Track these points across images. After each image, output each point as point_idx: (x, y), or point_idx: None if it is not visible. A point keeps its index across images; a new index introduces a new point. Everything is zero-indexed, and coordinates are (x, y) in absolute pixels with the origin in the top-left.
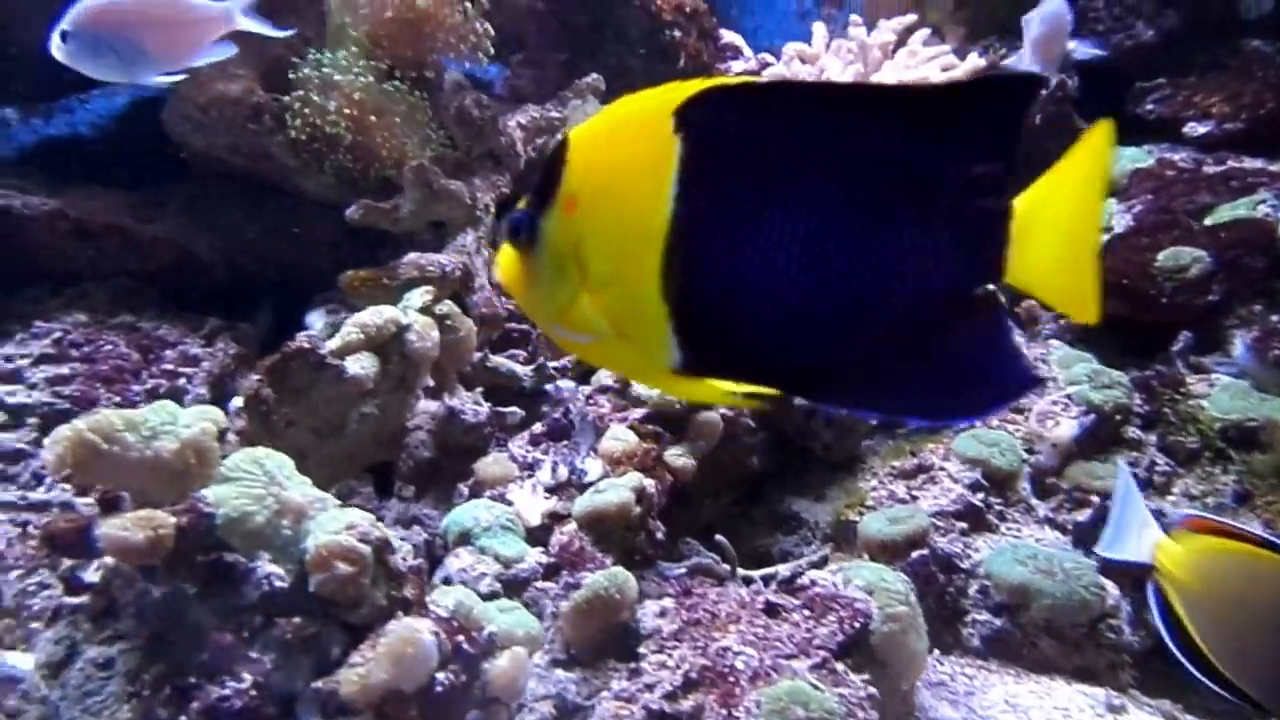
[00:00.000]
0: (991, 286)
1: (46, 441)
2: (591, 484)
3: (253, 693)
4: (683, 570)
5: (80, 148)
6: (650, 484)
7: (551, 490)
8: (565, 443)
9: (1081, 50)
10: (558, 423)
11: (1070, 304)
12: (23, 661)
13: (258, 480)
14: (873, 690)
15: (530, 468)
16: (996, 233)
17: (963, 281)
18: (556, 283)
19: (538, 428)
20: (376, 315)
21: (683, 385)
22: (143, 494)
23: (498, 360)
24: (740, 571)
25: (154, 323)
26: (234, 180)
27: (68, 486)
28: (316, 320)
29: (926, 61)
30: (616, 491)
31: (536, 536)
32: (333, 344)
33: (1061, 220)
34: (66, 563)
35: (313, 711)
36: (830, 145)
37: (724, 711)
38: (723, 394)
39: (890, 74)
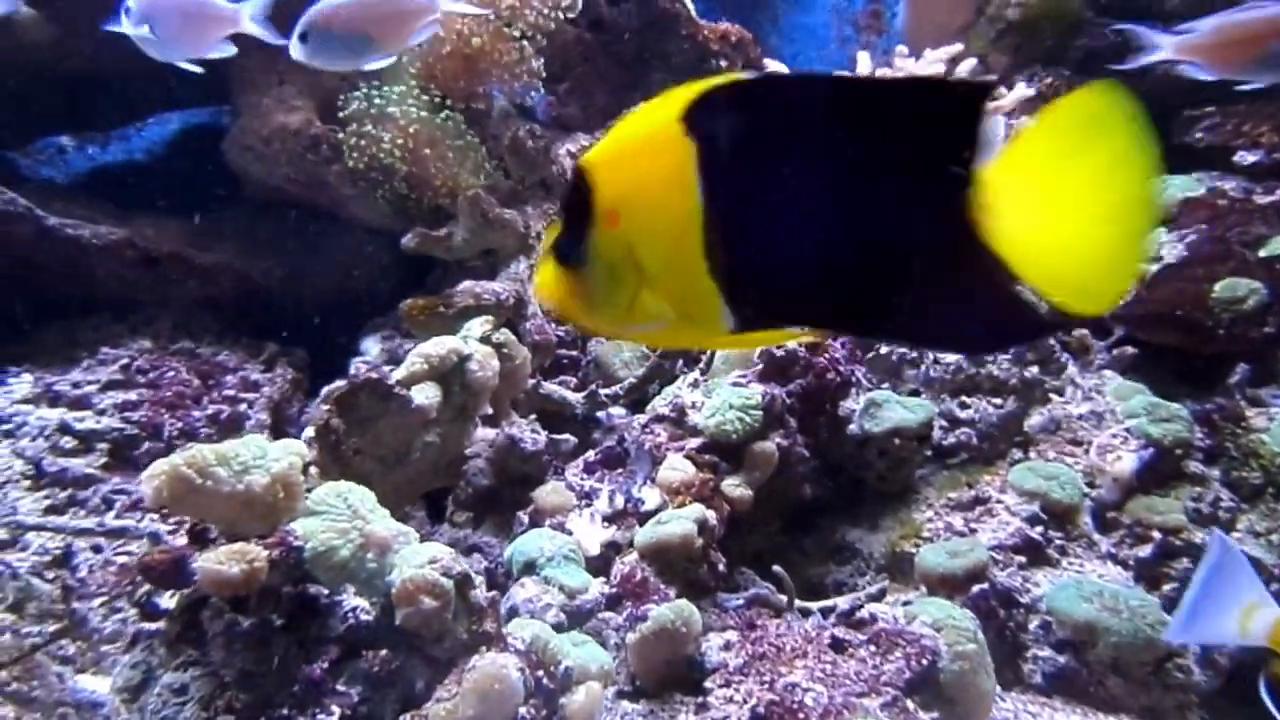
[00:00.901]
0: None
1: (143, 476)
2: (649, 513)
3: None
4: (741, 601)
5: (136, 174)
6: (711, 515)
7: (609, 519)
8: (620, 471)
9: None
10: (612, 450)
11: (1064, 290)
12: (100, 686)
13: (342, 514)
14: None
15: (587, 496)
16: (961, 197)
17: (947, 236)
18: (617, 289)
19: (591, 455)
20: (439, 346)
21: (744, 339)
22: (232, 526)
23: (550, 387)
24: (797, 603)
25: (214, 348)
26: (288, 207)
27: (138, 513)
28: (372, 346)
29: None
30: (680, 523)
31: (596, 566)
32: (398, 374)
33: (1041, 189)
34: (142, 589)
35: None
36: (816, 121)
37: None
38: (781, 336)
39: None
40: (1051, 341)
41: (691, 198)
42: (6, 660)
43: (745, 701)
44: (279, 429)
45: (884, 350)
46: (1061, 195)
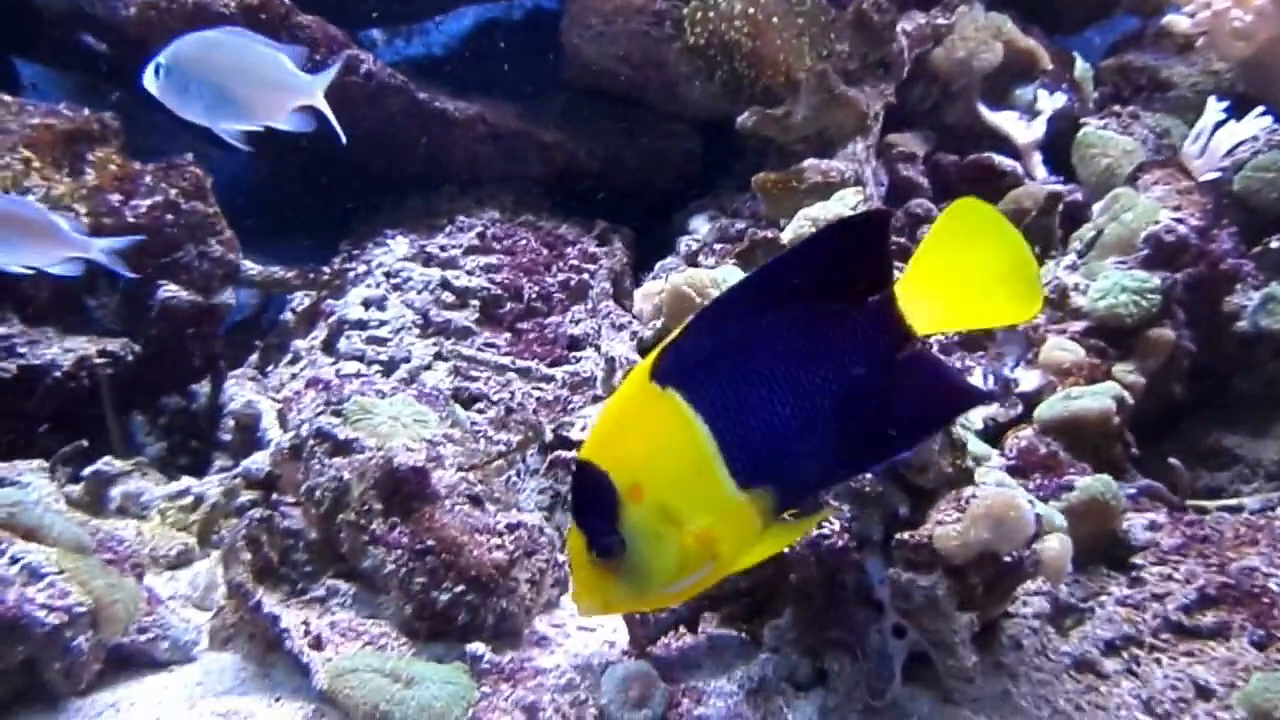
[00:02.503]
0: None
1: (639, 293)
2: (1025, 394)
3: (843, 535)
4: (1134, 490)
5: (436, 66)
6: (1127, 393)
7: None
8: (981, 353)
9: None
10: (972, 332)
11: (990, 315)
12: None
13: None
14: None
15: (959, 373)
16: (889, 308)
17: (888, 352)
18: (664, 552)
19: (948, 335)
20: (824, 210)
21: (773, 537)
22: None
23: None
24: (1191, 502)
25: (552, 222)
26: (602, 95)
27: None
28: (701, 224)
29: None
30: (1096, 398)
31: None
32: (785, 235)
33: (941, 270)
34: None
35: (879, 560)
36: (759, 326)
37: (1261, 631)
38: (810, 523)
39: None
40: None
41: (695, 431)
42: (477, 463)
43: (1188, 581)
44: (618, 299)
45: (1275, 244)
46: (965, 275)
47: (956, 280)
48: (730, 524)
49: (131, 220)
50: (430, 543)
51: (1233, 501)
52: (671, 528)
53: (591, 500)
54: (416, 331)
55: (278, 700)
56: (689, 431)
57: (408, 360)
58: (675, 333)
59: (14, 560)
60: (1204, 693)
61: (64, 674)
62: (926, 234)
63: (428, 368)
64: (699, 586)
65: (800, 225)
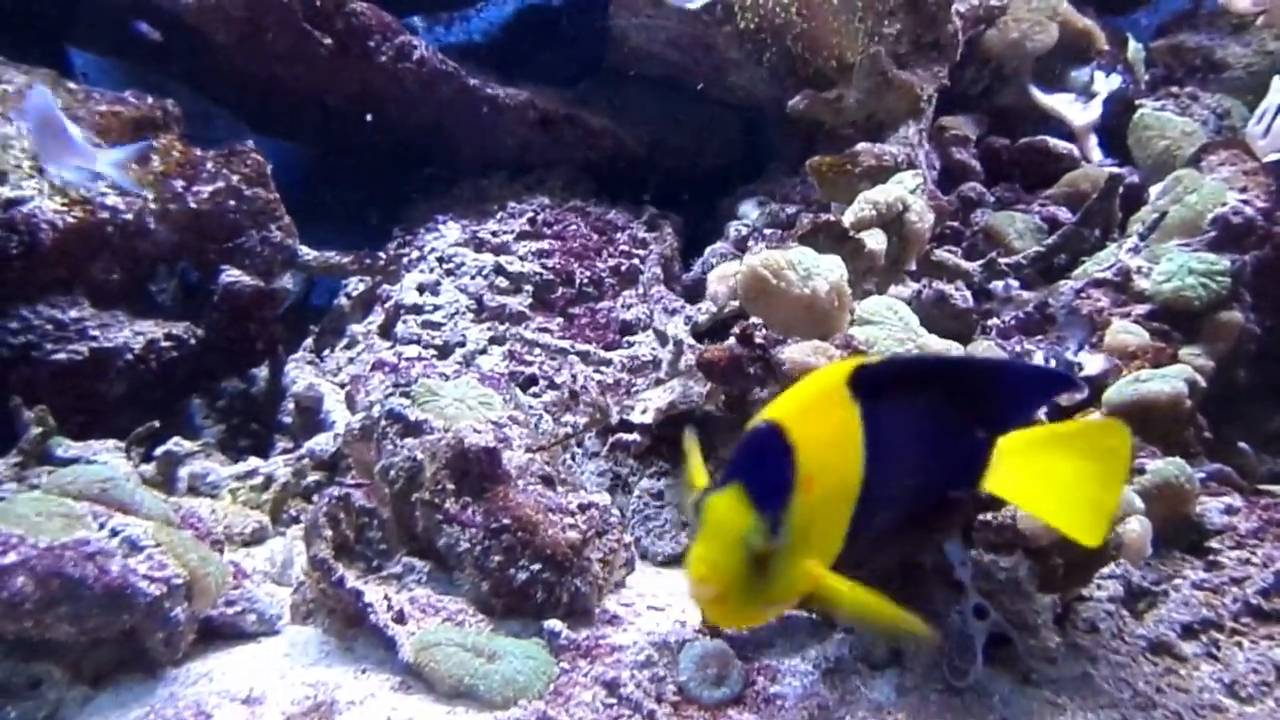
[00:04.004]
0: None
1: (711, 277)
2: (1090, 378)
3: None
4: (1203, 474)
5: (477, 52)
6: (1199, 376)
7: None
8: (1041, 338)
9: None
10: (1030, 317)
11: (1056, 516)
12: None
13: (897, 325)
14: None
15: (1019, 357)
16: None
17: (960, 485)
18: (796, 565)
19: (1001, 322)
20: (886, 193)
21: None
22: (788, 328)
23: (942, 254)
24: (1260, 487)
25: (601, 208)
26: (648, 80)
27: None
28: (750, 210)
29: None
30: (1167, 381)
31: None
32: (848, 218)
33: (1047, 454)
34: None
35: (958, 542)
36: (929, 404)
37: None
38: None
39: None
40: None
41: (858, 463)
42: (544, 443)
43: (1267, 564)
44: (668, 284)
45: None
46: (1062, 474)
47: (1052, 470)
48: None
49: (194, 206)
50: (506, 521)
51: None
52: (809, 546)
53: (766, 462)
54: (470, 316)
55: (364, 672)
56: (856, 468)
57: (463, 344)
58: (881, 358)
59: (114, 533)
60: None
61: (163, 643)
62: (1064, 422)
63: (483, 351)
64: (769, 615)
65: (861, 208)
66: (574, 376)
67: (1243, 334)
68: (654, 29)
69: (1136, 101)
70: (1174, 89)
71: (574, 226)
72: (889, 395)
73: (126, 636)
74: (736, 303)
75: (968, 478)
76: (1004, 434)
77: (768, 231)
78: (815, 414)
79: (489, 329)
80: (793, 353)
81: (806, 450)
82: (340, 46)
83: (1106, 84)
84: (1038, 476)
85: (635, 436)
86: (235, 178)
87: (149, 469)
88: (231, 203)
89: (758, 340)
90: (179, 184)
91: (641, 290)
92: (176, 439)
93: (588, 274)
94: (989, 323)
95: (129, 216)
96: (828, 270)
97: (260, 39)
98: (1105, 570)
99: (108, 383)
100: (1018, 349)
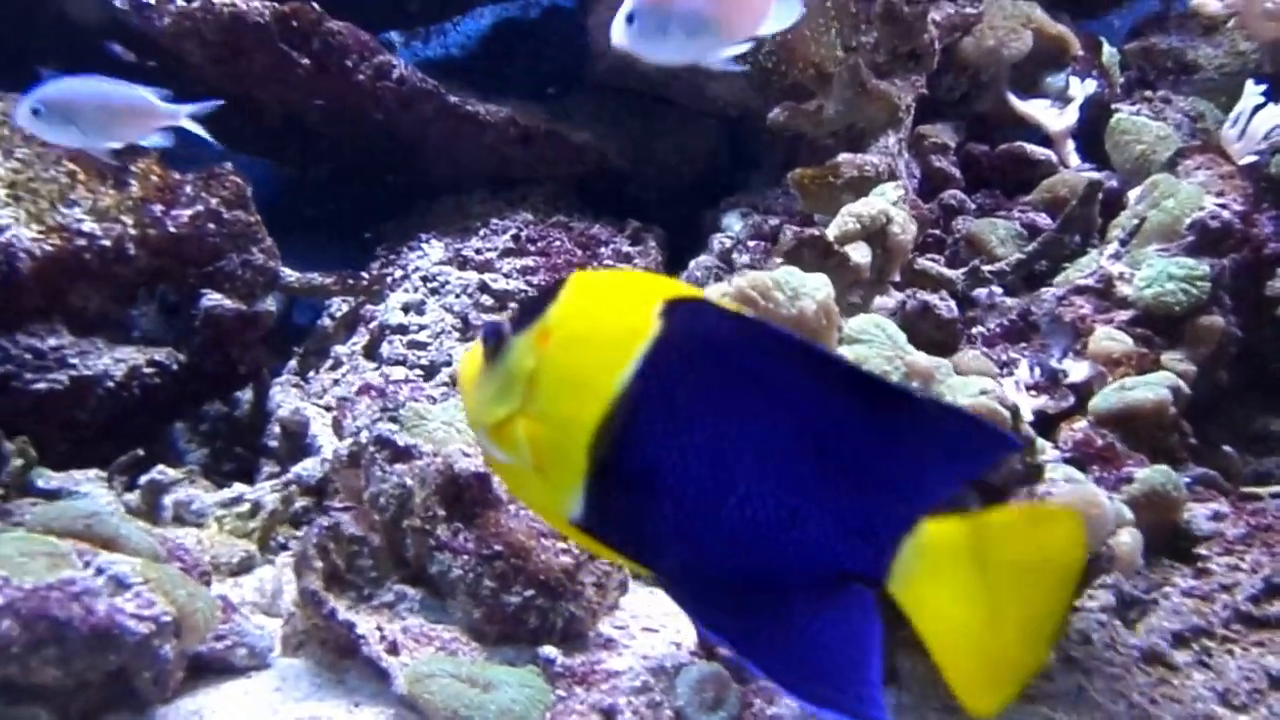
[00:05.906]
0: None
1: (707, 293)
2: (1075, 385)
3: None
4: (1189, 479)
5: (455, 67)
6: (1183, 383)
7: (1031, 389)
8: (1024, 345)
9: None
10: (1014, 325)
11: (946, 665)
12: None
13: (884, 343)
14: None
15: (1006, 366)
16: (892, 533)
17: (848, 564)
18: (500, 397)
19: (986, 330)
20: (869, 206)
21: (577, 536)
22: None
23: (925, 263)
24: (1242, 489)
25: (584, 222)
26: (629, 93)
27: None
28: (734, 221)
29: None
30: (1151, 389)
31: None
32: (831, 232)
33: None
34: None
35: None
36: (776, 389)
37: None
38: (612, 555)
39: None
40: None
41: (622, 367)
42: None
43: (1255, 570)
44: None
45: None
46: (971, 591)
47: (972, 591)
48: (554, 468)
49: (173, 230)
50: (498, 547)
51: None
52: (520, 393)
53: (535, 298)
54: (457, 335)
55: (357, 706)
56: (614, 370)
57: (449, 364)
58: (727, 305)
59: (100, 571)
60: (1277, 683)
61: (153, 682)
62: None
63: None
64: (500, 472)
65: (845, 222)
66: None
67: (1224, 337)
68: None
69: (1112, 105)
70: (1147, 92)
71: (558, 242)
72: (729, 356)
73: (114, 676)
74: None
75: (864, 556)
76: (927, 511)
77: (751, 243)
78: (609, 298)
79: None
80: None
81: (565, 311)
82: (318, 66)
83: (1082, 89)
84: (957, 596)
85: None
86: (215, 201)
87: (133, 498)
88: (211, 226)
89: None
90: (158, 208)
91: None
92: (160, 467)
93: None
94: (973, 331)
95: (107, 243)
96: (814, 289)
97: (237, 60)
98: (1096, 580)
99: (89, 411)
100: (1003, 357)
